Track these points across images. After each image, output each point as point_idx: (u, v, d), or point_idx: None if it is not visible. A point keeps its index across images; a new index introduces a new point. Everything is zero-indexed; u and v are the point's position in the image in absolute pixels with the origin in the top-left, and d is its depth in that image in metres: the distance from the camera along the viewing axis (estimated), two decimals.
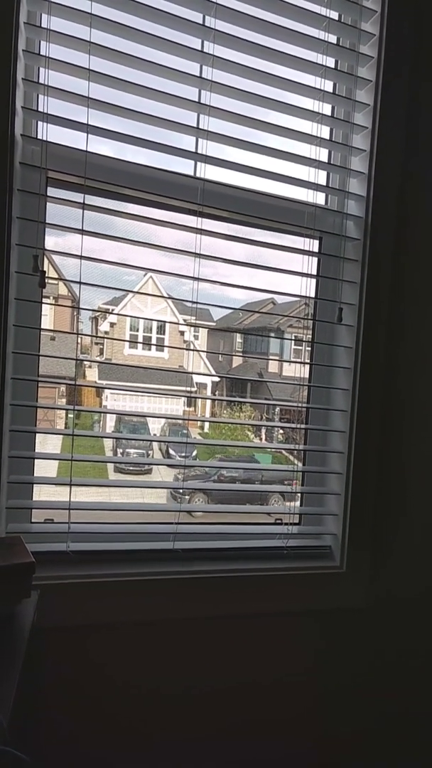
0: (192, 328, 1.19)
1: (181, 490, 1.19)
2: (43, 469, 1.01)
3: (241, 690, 1.11)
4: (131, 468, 1.28)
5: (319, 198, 1.17)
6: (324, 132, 1.14)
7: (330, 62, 1.12)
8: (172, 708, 1.06)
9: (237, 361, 1.37)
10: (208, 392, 1.36)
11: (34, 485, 1.01)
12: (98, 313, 1.22)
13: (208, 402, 1.40)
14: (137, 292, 1.11)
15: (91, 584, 0.97)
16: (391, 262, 1.16)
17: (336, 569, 1.16)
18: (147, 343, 1.22)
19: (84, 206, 0.98)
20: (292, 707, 1.16)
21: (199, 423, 1.36)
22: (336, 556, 1.18)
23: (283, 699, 1.15)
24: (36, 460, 1.01)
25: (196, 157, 1.05)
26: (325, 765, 1.22)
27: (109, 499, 1.11)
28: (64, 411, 1.15)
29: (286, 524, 1.18)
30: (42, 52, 0.95)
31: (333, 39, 1.12)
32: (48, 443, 1.04)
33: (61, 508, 0.98)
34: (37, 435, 1.01)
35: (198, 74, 1.03)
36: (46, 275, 0.95)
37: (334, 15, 1.12)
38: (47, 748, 0.98)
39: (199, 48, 1.03)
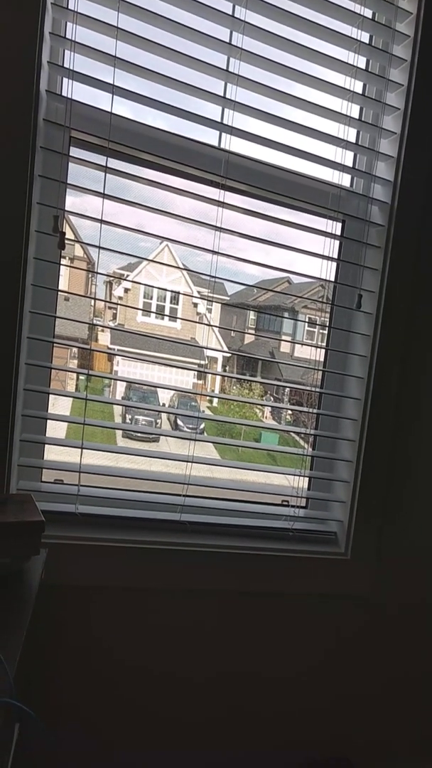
0: (206, 301, 1.17)
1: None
2: (53, 430, 1.01)
3: (236, 666, 1.12)
4: (139, 435, 1.27)
5: (344, 180, 1.15)
6: (354, 111, 1.11)
7: (365, 37, 1.09)
8: (165, 671, 1.07)
9: (249, 338, 1.35)
10: (219, 367, 1.34)
11: (45, 445, 1.01)
12: (113, 278, 1.20)
13: (218, 376, 1.38)
14: (155, 261, 1.09)
15: (97, 548, 0.97)
16: (415, 253, 1.13)
17: (341, 556, 1.15)
18: (160, 313, 1.20)
19: (106, 169, 0.96)
20: (288, 691, 1.17)
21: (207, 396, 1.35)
22: (341, 543, 1.17)
23: (279, 681, 1.16)
24: (47, 421, 1.00)
25: (222, 127, 1.03)
26: (324, 743, 1.23)
27: (117, 465, 1.10)
28: (74, 373, 1.15)
29: (292, 506, 1.17)
30: (70, 7, 0.92)
31: (368, 13, 1.10)
32: (57, 405, 1.03)
33: (72, 470, 0.98)
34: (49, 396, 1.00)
35: (228, 41, 1.00)
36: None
37: None
38: (48, 702, 1.00)
39: (230, 13, 1.00)
